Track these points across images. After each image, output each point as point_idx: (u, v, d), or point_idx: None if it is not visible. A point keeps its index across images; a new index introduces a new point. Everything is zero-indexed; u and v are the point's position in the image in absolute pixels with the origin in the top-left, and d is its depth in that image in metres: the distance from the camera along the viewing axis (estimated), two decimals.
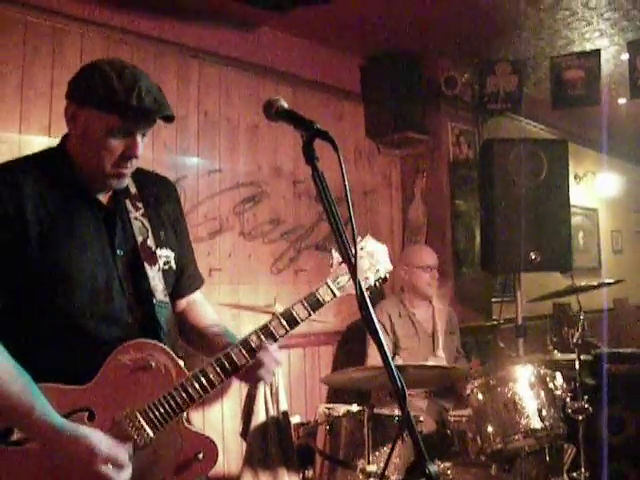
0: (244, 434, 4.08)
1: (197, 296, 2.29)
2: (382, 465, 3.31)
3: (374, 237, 2.33)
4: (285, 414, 4.12)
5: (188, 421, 1.94)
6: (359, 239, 2.19)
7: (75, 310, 1.83)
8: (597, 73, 5.36)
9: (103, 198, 1.97)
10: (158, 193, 2.13)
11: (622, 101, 6.82)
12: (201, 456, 1.88)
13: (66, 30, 4.01)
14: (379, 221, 5.90)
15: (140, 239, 1.98)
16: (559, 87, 5.51)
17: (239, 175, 4.82)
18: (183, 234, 2.20)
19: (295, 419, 4.27)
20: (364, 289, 1.52)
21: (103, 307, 1.87)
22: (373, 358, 4.36)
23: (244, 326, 4.64)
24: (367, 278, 2.23)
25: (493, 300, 6.09)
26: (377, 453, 3.35)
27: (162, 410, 1.82)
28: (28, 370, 1.70)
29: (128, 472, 1.73)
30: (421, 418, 3.71)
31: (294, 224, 5.14)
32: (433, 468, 1.38)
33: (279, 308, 3.96)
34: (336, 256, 2.16)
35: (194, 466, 1.88)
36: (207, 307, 2.30)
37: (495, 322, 5.41)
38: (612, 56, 5.82)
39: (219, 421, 4.42)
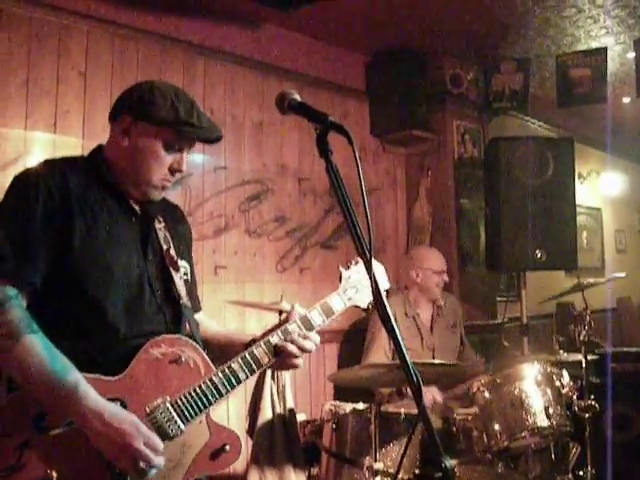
0: (250, 432, 4.07)
1: (201, 315, 2.36)
2: (389, 463, 3.31)
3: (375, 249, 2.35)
4: (291, 412, 4.11)
5: None
6: (357, 259, 2.26)
7: (109, 303, 1.90)
8: (603, 71, 5.35)
9: (135, 206, 2.08)
10: (173, 214, 2.27)
11: (627, 100, 6.81)
12: (228, 448, 1.96)
13: (72, 27, 4.02)
14: (384, 219, 5.89)
15: (165, 247, 2.11)
16: (565, 85, 5.51)
17: (244, 173, 4.82)
18: (192, 257, 2.31)
19: (301, 417, 4.26)
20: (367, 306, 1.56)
21: (136, 303, 1.96)
22: (374, 354, 4.36)
23: (250, 324, 4.64)
24: (369, 294, 2.28)
25: (498, 299, 6.08)
26: (383, 451, 3.35)
27: (193, 403, 1.89)
28: None
29: (162, 459, 1.79)
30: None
31: (299, 222, 5.14)
32: (449, 462, 1.38)
33: (286, 305, 3.96)
34: (343, 271, 2.28)
35: (223, 457, 1.96)
36: (211, 321, 2.41)
37: (500, 321, 5.40)
38: (618, 54, 5.81)
39: (225, 419, 4.41)
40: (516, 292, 5.62)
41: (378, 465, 3.21)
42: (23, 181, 1.91)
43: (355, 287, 2.24)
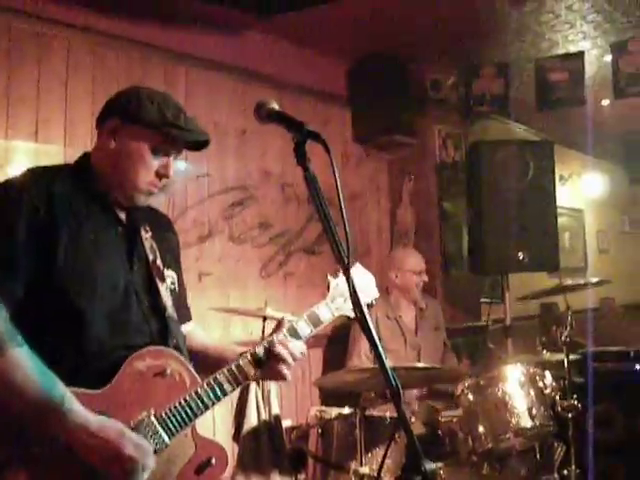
0: (236, 438, 4.07)
1: (191, 326, 2.34)
2: (375, 467, 3.32)
3: (361, 264, 2.42)
4: (277, 417, 4.12)
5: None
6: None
7: (93, 314, 1.87)
8: (581, 75, 5.40)
9: (122, 215, 2.06)
10: (161, 224, 2.25)
11: (606, 102, 6.87)
12: (214, 461, 1.94)
13: (52, 35, 4.00)
14: (367, 225, 5.91)
15: (151, 257, 2.07)
16: (544, 89, 5.55)
17: (228, 179, 4.82)
18: (180, 266, 2.28)
19: (287, 422, 4.27)
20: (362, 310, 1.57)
21: (121, 315, 1.93)
22: (356, 358, 4.38)
23: (234, 330, 4.64)
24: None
25: (482, 301, 6.11)
26: (369, 455, 3.37)
27: (177, 416, 1.88)
28: None
29: (153, 460, 1.79)
30: (412, 419, 3.72)
31: (283, 228, 5.15)
32: (429, 466, 1.39)
33: (270, 312, 3.97)
34: (331, 280, 2.26)
35: (209, 471, 1.94)
36: (200, 332, 2.38)
37: (484, 323, 5.43)
38: (595, 58, 5.87)
39: (211, 425, 4.40)
40: (500, 294, 5.65)
41: (364, 469, 3.24)
42: (5, 192, 1.88)
43: (343, 296, 2.21)
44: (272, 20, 4.61)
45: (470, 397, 3.57)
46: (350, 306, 2.19)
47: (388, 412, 3.52)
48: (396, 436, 3.30)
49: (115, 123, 1.98)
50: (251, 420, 4.02)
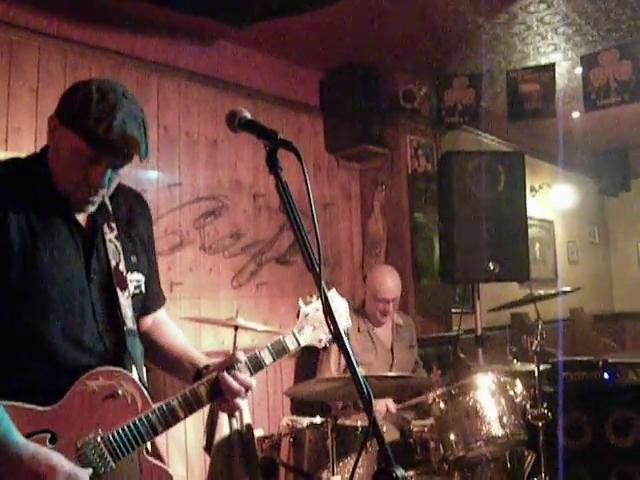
0: (208, 448, 4.05)
1: (161, 314, 2.27)
2: (346, 476, 3.32)
3: (336, 290, 2.32)
4: (249, 427, 4.10)
5: (147, 451, 1.92)
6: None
7: (48, 331, 1.80)
8: (552, 87, 5.48)
9: (81, 218, 1.93)
10: (131, 213, 2.11)
11: (576, 114, 6.97)
12: None
13: (23, 43, 3.98)
14: (339, 234, 5.93)
15: (114, 263, 1.96)
16: (515, 100, 5.62)
17: (199, 189, 4.81)
18: (151, 254, 2.18)
19: (259, 432, 4.25)
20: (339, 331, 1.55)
21: (76, 331, 1.85)
22: (326, 369, 4.38)
23: (206, 340, 4.63)
24: (326, 334, 2.21)
25: (453, 311, 6.15)
26: (341, 464, 3.37)
27: (125, 440, 1.80)
28: None
29: None
30: (384, 428, 3.73)
31: (255, 238, 5.15)
32: (400, 472, 1.40)
33: (242, 321, 3.96)
34: (302, 306, 2.20)
35: None
36: (171, 325, 2.29)
37: (455, 333, 5.46)
38: (566, 70, 5.97)
39: (182, 435, 4.39)
40: (470, 304, 5.69)
41: (336, 478, 3.23)
42: None
43: (312, 325, 2.16)
44: (245, 30, 4.62)
45: (441, 405, 3.59)
46: (318, 335, 2.17)
47: (359, 421, 3.53)
48: (368, 445, 3.30)
49: (53, 121, 1.85)
50: (223, 430, 3.99)
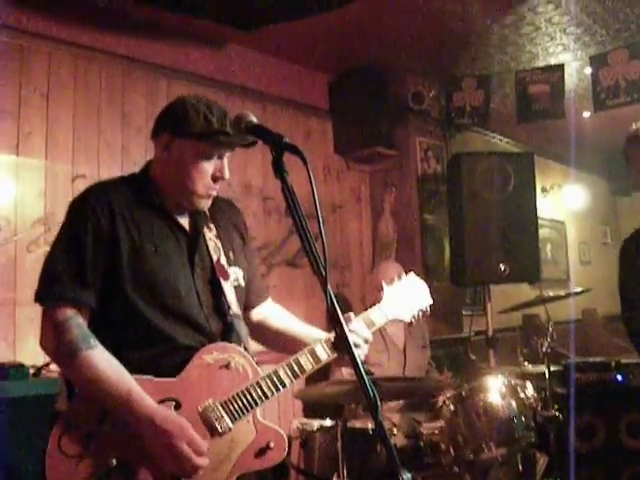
0: None
1: (268, 304, 2.56)
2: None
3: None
4: None
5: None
6: (404, 276, 2.53)
7: (159, 317, 2.06)
8: (561, 87, 5.46)
9: (183, 221, 2.22)
10: (227, 216, 2.40)
11: (586, 114, 6.93)
12: (272, 445, 2.11)
13: (33, 48, 4.01)
14: (349, 236, 5.93)
15: (215, 257, 2.23)
16: (524, 101, 5.61)
17: None
18: (249, 253, 2.47)
19: None
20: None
21: (186, 315, 2.11)
22: (336, 371, 4.36)
23: None
24: (412, 309, 2.51)
25: (463, 313, 6.13)
26: (351, 467, 3.36)
27: (240, 403, 2.05)
28: None
29: (205, 461, 1.95)
30: (394, 431, 3.71)
31: (264, 240, 5.15)
32: (406, 476, 1.40)
33: None
34: (385, 287, 2.45)
35: (268, 454, 2.12)
36: (280, 312, 2.58)
37: (466, 334, 5.44)
38: (576, 70, 5.95)
39: None
40: (481, 305, 5.67)
41: None
42: (74, 210, 2.09)
43: (396, 302, 2.43)
44: (253, 34, 4.63)
45: (452, 408, 3.57)
46: (404, 312, 2.45)
47: (370, 424, 3.51)
48: (377, 448, 3.30)
49: (167, 138, 2.12)
50: None
